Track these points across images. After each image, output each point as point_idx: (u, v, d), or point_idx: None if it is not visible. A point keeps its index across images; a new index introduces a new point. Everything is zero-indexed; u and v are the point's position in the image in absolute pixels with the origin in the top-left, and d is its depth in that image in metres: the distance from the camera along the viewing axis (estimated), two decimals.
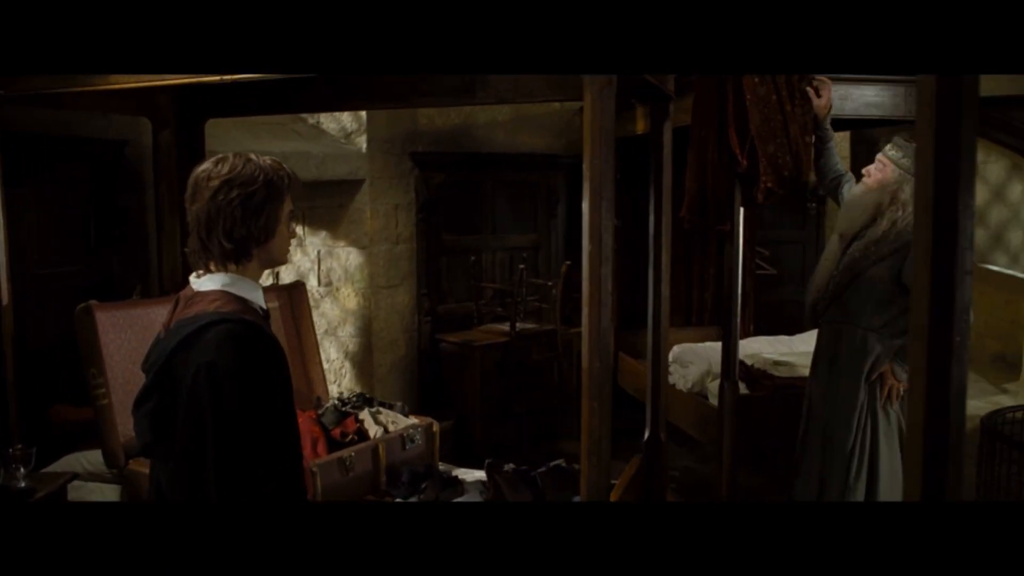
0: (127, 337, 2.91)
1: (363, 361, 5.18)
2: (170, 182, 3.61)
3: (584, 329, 2.15)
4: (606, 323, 2.13)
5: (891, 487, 3.29)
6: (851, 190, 3.52)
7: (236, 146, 4.46)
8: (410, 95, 3.31)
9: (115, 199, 3.97)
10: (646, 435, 3.22)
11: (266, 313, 1.90)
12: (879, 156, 3.40)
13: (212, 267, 1.83)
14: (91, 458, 3.01)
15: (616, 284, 5.69)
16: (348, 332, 5.19)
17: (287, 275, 5.33)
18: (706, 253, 5.94)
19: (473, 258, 5.43)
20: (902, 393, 3.25)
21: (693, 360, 4.54)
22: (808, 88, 3.61)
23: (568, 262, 5.22)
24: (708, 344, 4.68)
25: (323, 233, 5.23)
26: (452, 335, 5.28)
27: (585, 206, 2.12)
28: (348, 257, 5.19)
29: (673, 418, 4.71)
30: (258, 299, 1.86)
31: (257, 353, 1.72)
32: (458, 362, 5.16)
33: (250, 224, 1.79)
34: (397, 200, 5.17)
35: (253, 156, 1.85)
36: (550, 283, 5.36)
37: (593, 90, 2.07)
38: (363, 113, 4.94)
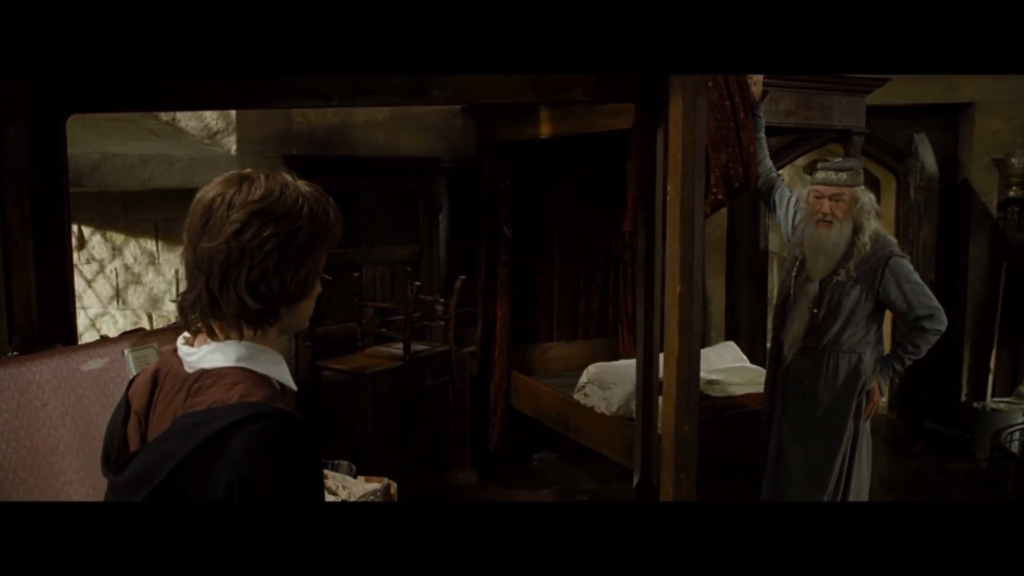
0: None
1: None
2: (20, 193, 2.80)
3: (668, 386, 1.78)
4: (695, 376, 1.77)
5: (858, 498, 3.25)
6: (812, 233, 3.30)
7: (83, 147, 3.64)
8: (347, 91, 2.76)
9: None
10: (635, 480, 2.88)
11: (288, 391, 1.40)
12: (831, 190, 3.23)
13: (218, 330, 1.30)
14: None
15: (509, 298, 5.34)
16: None
17: (137, 299, 4.49)
18: (592, 262, 5.72)
19: (356, 274, 4.85)
20: (879, 408, 3.26)
21: (615, 381, 4.26)
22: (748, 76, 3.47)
23: (463, 276, 4.78)
24: (626, 362, 4.43)
25: (182, 249, 4.43)
26: (336, 361, 4.68)
27: (671, 237, 1.74)
28: None
29: (595, 445, 4.42)
30: (284, 376, 1.37)
31: (301, 459, 1.24)
32: (346, 392, 4.57)
33: (285, 276, 1.29)
34: None
35: (288, 178, 1.33)
36: (440, 300, 4.90)
37: (685, 96, 1.68)
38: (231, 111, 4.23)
